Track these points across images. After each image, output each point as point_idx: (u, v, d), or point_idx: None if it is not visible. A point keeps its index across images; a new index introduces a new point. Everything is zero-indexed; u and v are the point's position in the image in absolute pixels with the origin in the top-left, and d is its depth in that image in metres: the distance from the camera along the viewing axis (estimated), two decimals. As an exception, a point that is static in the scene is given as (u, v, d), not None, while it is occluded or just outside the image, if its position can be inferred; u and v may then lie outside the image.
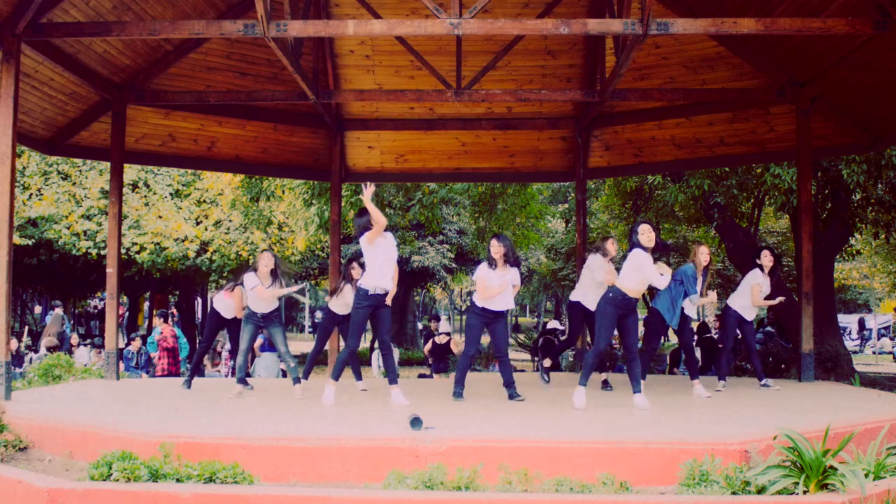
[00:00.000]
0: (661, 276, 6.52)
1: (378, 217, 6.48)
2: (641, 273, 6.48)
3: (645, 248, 6.49)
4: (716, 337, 12.34)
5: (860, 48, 7.76)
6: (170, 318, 12.81)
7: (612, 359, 11.74)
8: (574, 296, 7.91)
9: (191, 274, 18.88)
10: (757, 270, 8.11)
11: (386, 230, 6.70)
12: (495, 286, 6.90)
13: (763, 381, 8.12)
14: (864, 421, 5.71)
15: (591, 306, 7.38)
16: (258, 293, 7.40)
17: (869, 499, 4.26)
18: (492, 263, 7.05)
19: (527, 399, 6.97)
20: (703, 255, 7.60)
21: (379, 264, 6.63)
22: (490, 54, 9.52)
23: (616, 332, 6.88)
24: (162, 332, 11.78)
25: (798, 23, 6.92)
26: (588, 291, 7.67)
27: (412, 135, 11.29)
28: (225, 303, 8.23)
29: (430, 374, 12.09)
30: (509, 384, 7.05)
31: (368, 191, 6.58)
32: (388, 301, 6.83)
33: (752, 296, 8.02)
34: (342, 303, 7.94)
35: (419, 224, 18.78)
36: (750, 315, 8.12)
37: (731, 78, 9.67)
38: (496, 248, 7.05)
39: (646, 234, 6.51)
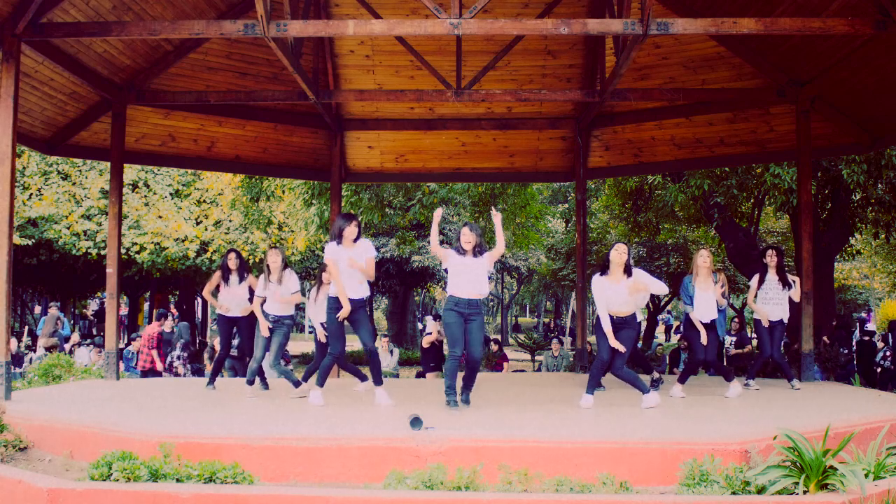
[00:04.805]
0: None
1: (335, 273, 6.56)
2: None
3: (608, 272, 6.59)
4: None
5: (860, 48, 7.77)
6: (168, 317, 12.86)
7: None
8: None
9: (191, 274, 18.89)
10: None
11: (371, 236, 6.67)
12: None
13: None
14: (864, 421, 5.71)
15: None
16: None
17: (869, 499, 4.26)
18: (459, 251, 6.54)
19: (527, 399, 6.95)
20: (700, 258, 7.50)
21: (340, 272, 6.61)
22: (490, 54, 9.51)
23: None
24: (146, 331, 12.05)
25: (798, 23, 6.92)
26: None
27: (412, 135, 11.29)
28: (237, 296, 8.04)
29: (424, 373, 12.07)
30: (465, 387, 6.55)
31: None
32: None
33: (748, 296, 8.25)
34: (319, 309, 7.88)
35: (419, 224, 18.77)
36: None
37: (731, 78, 9.67)
38: (467, 237, 6.45)
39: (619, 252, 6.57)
